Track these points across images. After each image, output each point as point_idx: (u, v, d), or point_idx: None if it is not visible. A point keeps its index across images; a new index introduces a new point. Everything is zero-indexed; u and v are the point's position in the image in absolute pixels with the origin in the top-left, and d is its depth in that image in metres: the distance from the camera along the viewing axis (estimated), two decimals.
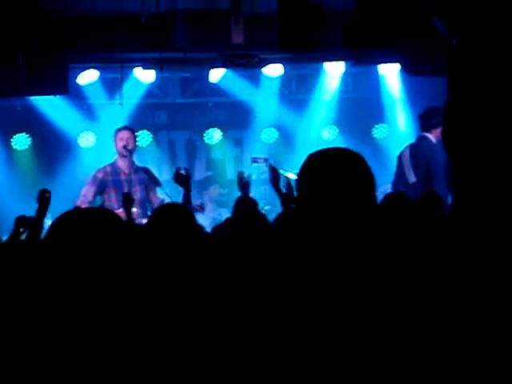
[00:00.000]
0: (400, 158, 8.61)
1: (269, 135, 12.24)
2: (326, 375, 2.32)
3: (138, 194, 8.33)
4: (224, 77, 10.93)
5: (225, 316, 2.51)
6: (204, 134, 12.15)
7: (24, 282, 3.14)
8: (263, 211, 8.48)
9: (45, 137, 11.26)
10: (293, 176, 7.20)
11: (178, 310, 2.87)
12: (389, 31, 7.45)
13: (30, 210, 6.62)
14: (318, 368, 2.32)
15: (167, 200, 8.22)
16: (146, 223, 4.59)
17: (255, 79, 11.45)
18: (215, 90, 11.48)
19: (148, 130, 11.82)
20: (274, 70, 10.80)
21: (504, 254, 2.11)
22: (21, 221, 5.98)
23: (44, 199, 6.12)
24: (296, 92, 12.03)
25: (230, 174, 12.30)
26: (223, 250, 4.18)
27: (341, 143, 12.02)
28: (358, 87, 11.97)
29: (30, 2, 8.42)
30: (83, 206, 8.03)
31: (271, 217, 6.51)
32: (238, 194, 6.85)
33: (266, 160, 9.91)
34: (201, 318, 2.69)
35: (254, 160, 9.83)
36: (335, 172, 2.56)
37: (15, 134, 11.37)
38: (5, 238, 6.09)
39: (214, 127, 12.14)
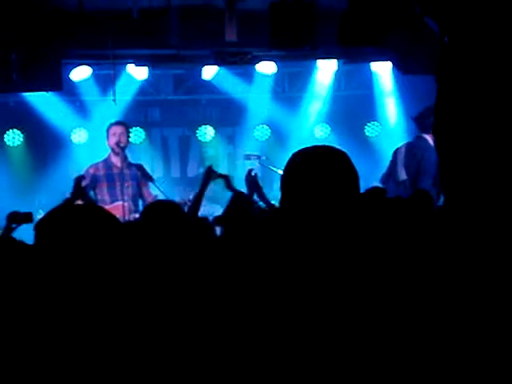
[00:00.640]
0: (396, 153, 8.64)
1: (261, 132, 12.25)
2: (314, 372, 2.33)
3: (129, 189, 8.35)
4: (217, 74, 10.93)
5: (218, 312, 2.52)
6: (197, 131, 12.15)
7: (15, 278, 3.14)
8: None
9: (37, 133, 11.24)
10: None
11: (171, 304, 2.87)
12: (381, 29, 7.46)
13: (23, 206, 6.64)
14: (307, 365, 2.33)
15: (160, 196, 8.24)
16: (137, 219, 4.60)
17: (248, 77, 11.45)
18: (208, 87, 11.48)
19: (141, 127, 11.80)
20: (267, 68, 10.80)
21: (493, 248, 2.12)
22: (13, 217, 5.98)
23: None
24: (289, 90, 12.04)
25: (223, 170, 12.27)
26: (215, 247, 4.19)
27: (333, 141, 12.03)
28: (350, 85, 11.98)
29: None
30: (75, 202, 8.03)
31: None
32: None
33: (258, 157, 9.92)
34: (194, 314, 2.70)
35: (247, 157, 9.84)
36: (319, 170, 2.56)
37: (8, 130, 11.34)
38: None
39: (206, 124, 12.14)
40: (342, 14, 7.78)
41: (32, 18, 8.45)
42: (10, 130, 11.35)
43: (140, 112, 11.85)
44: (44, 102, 10.81)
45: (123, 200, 8.16)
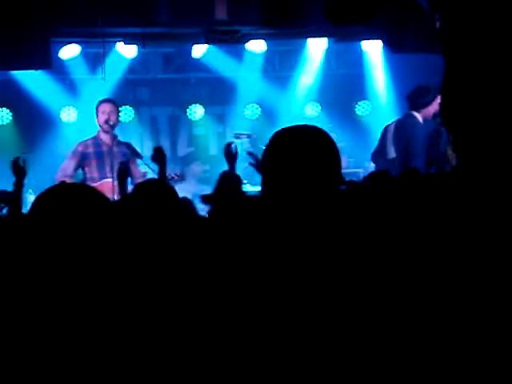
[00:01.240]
0: (385, 131, 8.66)
1: (252, 111, 12.22)
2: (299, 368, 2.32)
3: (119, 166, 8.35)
4: (207, 52, 10.89)
5: (208, 300, 2.52)
6: (186, 110, 12.11)
7: (5, 258, 3.13)
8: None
9: (26, 112, 11.18)
10: None
11: (160, 289, 2.87)
12: (371, 7, 7.44)
13: (11, 185, 6.58)
14: (292, 355, 2.32)
15: (150, 173, 8.23)
16: (127, 198, 4.58)
17: (238, 55, 11.41)
18: (198, 65, 11.43)
19: (130, 105, 11.76)
20: (257, 46, 10.77)
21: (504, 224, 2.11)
22: (0, 196, 5.93)
23: (19, 169, 5.92)
24: (279, 68, 12.00)
25: (213, 150, 12.28)
26: (204, 229, 4.18)
27: (323, 120, 12.02)
28: (340, 64, 11.95)
29: None
30: (63, 179, 8.02)
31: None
32: (221, 170, 6.83)
33: (248, 136, 9.91)
34: (184, 299, 2.69)
35: (237, 136, 9.83)
36: (299, 150, 2.53)
37: None
38: None
39: (196, 103, 12.10)
40: None
41: None
42: None
43: (129, 91, 11.79)
44: (33, 80, 10.74)
45: (112, 177, 8.15)
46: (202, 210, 5.88)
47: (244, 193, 6.49)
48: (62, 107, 11.45)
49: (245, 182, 10.13)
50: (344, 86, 11.86)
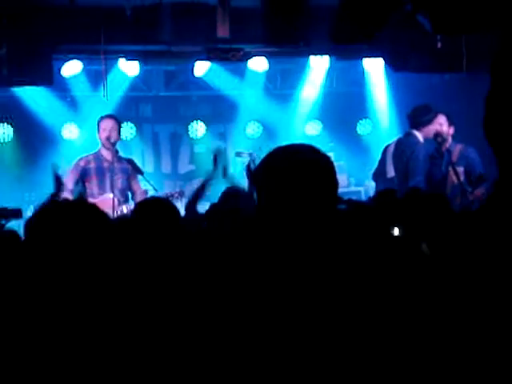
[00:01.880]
0: (385, 150, 8.67)
1: (253, 129, 12.24)
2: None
3: (119, 182, 8.37)
4: (209, 70, 10.92)
5: (208, 311, 2.51)
6: (188, 128, 12.13)
7: (5, 274, 3.13)
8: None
9: (28, 128, 11.20)
10: None
11: (162, 302, 2.86)
12: (373, 27, 7.45)
13: (12, 201, 6.61)
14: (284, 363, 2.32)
15: (151, 191, 8.24)
16: (130, 216, 4.59)
17: (240, 73, 11.45)
18: (199, 83, 11.47)
19: (132, 122, 11.78)
20: (259, 64, 10.80)
21: None
22: (1, 213, 5.96)
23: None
24: (281, 86, 12.03)
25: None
26: (204, 245, 4.18)
27: (325, 138, 12.05)
28: (342, 82, 11.98)
29: None
30: (63, 194, 8.02)
31: None
32: (221, 187, 6.84)
33: (250, 154, 9.91)
34: (185, 312, 2.68)
35: (238, 154, 9.83)
36: (293, 170, 2.50)
37: None
38: None
39: (198, 121, 12.12)
40: (335, 13, 7.77)
41: (23, 12, 8.42)
42: (0, 125, 11.30)
43: (131, 108, 11.83)
44: (34, 97, 10.77)
45: (113, 193, 8.16)
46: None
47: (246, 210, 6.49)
48: (63, 124, 11.46)
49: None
50: (345, 104, 11.88)
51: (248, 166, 6.99)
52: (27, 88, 9.75)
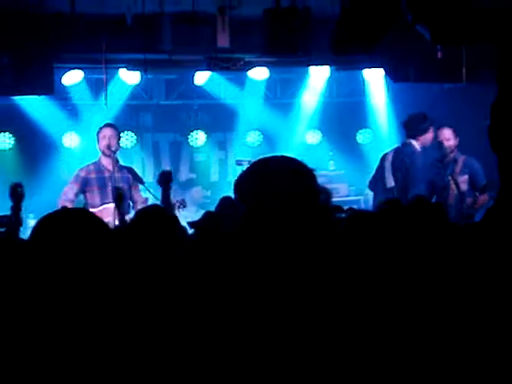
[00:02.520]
0: (383, 160, 8.68)
1: (253, 138, 12.26)
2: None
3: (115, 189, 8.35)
4: (209, 79, 10.95)
5: (207, 318, 2.52)
6: (188, 136, 12.15)
7: (5, 282, 3.14)
8: None
9: (28, 136, 11.21)
10: None
11: (160, 310, 2.87)
12: (373, 37, 7.48)
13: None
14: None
15: (151, 199, 8.23)
16: (128, 224, 4.60)
17: (240, 82, 11.48)
18: (200, 92, 11.50)
19: (132, 131, 11.80)
20: (259, 74, 10.83)
21: None
22: (1, 221, 5.95)
23: (17, 194, 6.04)
24: (281, 96, 12.06)
25: (214, 176, 12.31)
26: (205, 252, 4.19)
27: (324, 147, 12.07)
28: (342, 92, 12.01)
29: (16, 1, 8.40)
30: (65, 204, 8.02)
31: None
32: (221, 195, 6.86)
33: (250, 163, 9.92)
34: (183, 319, 2.70)
35: (239, 163, 9.84)
36: (272, 181, 2.54)
37: None
38: None
39: (198, 129, 12.14)
40: (335, 23, 7.80)
41: (25, 22, 8.44)
42: (1, 133, 11.31)
43: (132, 116, 11.84)
44: (35, 106, 10.79)
45: (114, 202, 8.15)
46: None
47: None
48: (64, 132, 11.48)
49: None
50: (345, 114, 11.91)
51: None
52: (28, 97, 9.77)
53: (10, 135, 11.34)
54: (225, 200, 6.63)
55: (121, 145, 8.96)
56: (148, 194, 8.43)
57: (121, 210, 7.03)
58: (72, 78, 10.27)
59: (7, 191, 6.10)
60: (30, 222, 9.08)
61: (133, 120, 11.92)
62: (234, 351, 2.33)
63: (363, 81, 11.56)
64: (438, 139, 8.40)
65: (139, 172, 9.07)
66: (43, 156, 11.28)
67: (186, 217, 8.14)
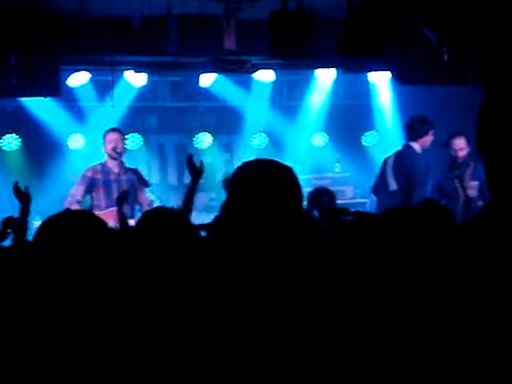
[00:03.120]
0: (384, 164, 8.69)
1: (259, 141, 12.26)
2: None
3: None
4: (215, 81, 10.95)
5: (214, 321, 2.52)
6: (194, 139, 12.15)
7: (10, 284, 3.14)
8: None
9: (34, 138, 11.23)
10: None
11: (168, 313, 2.87)
12: (380, 40, 7.48)
13: (19, 210, 6.60)
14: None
15: (157, 202, 8.24)
16: (134, 226, 4.59)
17: (246, 84, 11.48)
18: (206, 94, 11.50)
19: (138, 133, 11.81)
20: (265, 76, 10.83)
21: None
22: (8, 222, 5.96)
23: (23, 196, 6.10)
24: (287, 98, 12.06)
25: (220, 178, 12.31)
26: (214, 255, 4.18)
27: (330, 150, 12.07)
28: (348, 94, 12.01)
29: (23, 3, 8.42)
30: (72, 206, 8.03)
31: None
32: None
33: None
34: (191, 321, 2.70)
35: None
36: (258, 184, 2.56)
37: (5, 134, 11.33)
38: None
39: (204, 132, 12.14)
40: (342, 25, 7.80)
41: (32, 24, 8.47)
42: (7, 135, 11.33)
43: (137, 118, 11.85)
44: (41, 107, 10.81)
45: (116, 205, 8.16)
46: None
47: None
48: (69, 134, 11.49)
49: None
50: (351, 116, 11.91)
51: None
52: (34, 98, 9.79)
53: (17, 136, 11.36)
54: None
55: (126, 147, 8.97)
56: (154, 197, 8.44)
57: (121, 213, 7.05)
58: (78, 79, 10.28)
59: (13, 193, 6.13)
60: (35, 224, 9.10)
61: (138, 122, 11.92)
62: (232, 351, 2.34)
63: (369, 83, 11.56)
64: (450, 148, 8.42)
65: (145, 174, 9.08)
66: (49, 157, 11.30)
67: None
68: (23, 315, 2.58)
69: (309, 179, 10.41)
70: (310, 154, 11.81)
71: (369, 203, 10.72)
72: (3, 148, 11.36)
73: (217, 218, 6.32)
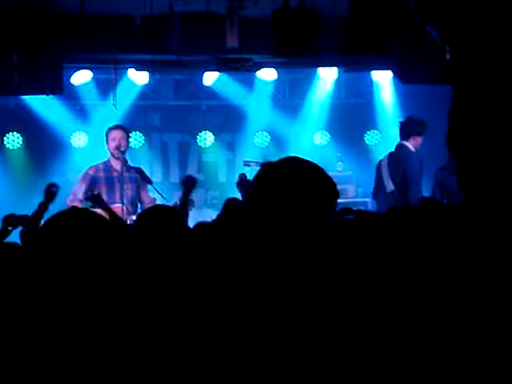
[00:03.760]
0: (379, 167, 8.69)
1: (261, 139, 12.27)
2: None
3: (129, 191, 8.36)
4: (218, 80, 10.95)
5: (212, 317, 2.53)
6: (196, 137, 12.16)
7: (13, 282, 3.16)
8: None
9: (37, 136, 11.25)
10: None
11: (165, 309, 2.88)
12: (382, 38, 7.48)
13: (21, 209, 6.62)
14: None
15: (159, 199, 8.25)
16: (133, 223, 4.61)
17: (249, 83, 11.48)
18: (208, 92, 11.51)
19: (140, 131, 11.81)
20: (267, 74, 10.83)
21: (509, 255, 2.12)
22: (8, 220, 5.99)
23: (50, 193, 6.23)
24: (289, 97, 12.06)
25: (222, 177, 12.31)
26: (209, 251, 4.19)
27: (332, 149, 12.07)
28: (350, 93, 12.01)
29: (26, 1, 8.43)
30: (74, 204, 8.03)
31: None
32: (230, 196, 6.87)
33: (258, 164, 9.92)
34: (188, 318, 2.70)
35: (246, 163, 9.84)
36: (288, 183, 2.52)
37: (7, 132, 11.35)
38: None
39: (206, 130, 12.15)
40: (344, 24, 7.81)
41: (34, 22, 8.47)
42: (10, 133, 11.35)
43: (140, 117, 11.86)
44: (44, 105, 10.82)
45: (122, 202, 8.16)
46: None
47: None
48: (72, 132, 11.51)
49: None
50: (353, 115, 11.90)
51: (241, 180, 7.07)
52: (37, 96, 9.79)
53: (19, 135, 11.38)
54: (230, 202, 6.64)
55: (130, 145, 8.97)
56: (156, 194, 8.45)
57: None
58: (81, 77, 10.29)
59: (18, 189, 6.18)
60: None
61: (141, 120, 11.93)
62: (233, 346, 2.34)
63: (371, 82, 11.55)
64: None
65: (147, 172, 9.08)
66: (51, 156, 11.32)
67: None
68: (28, 309, 2.59)
69: None
70: (312, 152, 11.80)
71: (370, 201, 10.72)
72: (6, 146, 11.38)
73: (220, 216, 6.33)
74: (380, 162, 8.71)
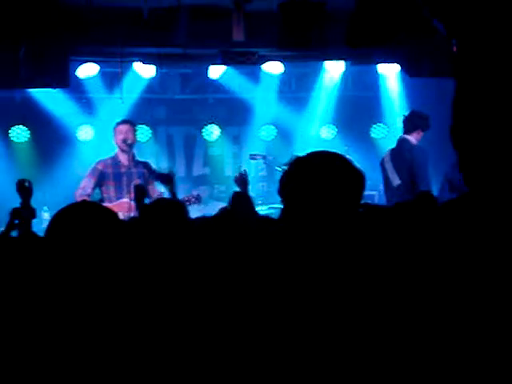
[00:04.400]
0: (382, 163, 8.68)
1: (267, 132, 12.25)
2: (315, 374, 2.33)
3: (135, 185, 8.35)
4: (224, 73, 10.94)
5: (216, 311, 2.53)
6: (203, 130, 12.16)
7: (20, 275, 3.16)
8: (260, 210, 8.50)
9: (43, 129, 11.25)
10: None
11: (171, 302, 2.88)
12: (389, 31, 7.46)
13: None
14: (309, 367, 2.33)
15: (166, 193, 8.25)
16: (138, 217, 4.61)
17: (255, 76, 11.46)
18: (215, 86, 11.49)
19: (147, 124, 11.81)
20: (274, 68, 10.81)
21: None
22: (16, 213, 5.99)
23: (24, 189, 6.15)
24: (295, 90, 12.04)
25: (228, 170, 12.31)
26: (213, 245, 4.18)
27: (339, 142, 12.04)
28: (357, 86, 11.98)
29: None
30: (82, 198, 8.04)
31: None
32: (236, 190, 6.88)
33: (263, 157, 9.93)
34: (193, 311, 2.70)
35: (252, 157, 9.85)
36: (321, 177, 2.52)
37: (14, 126, 11.36)
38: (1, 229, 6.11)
39: (212, 123, 12.14)
40: (350, 16, 7.78)
41: (41, 15, 8.46)
42: (16, 126, 11.36)
43: (146, 110, 11.85)
44: (50, 99, 10.82)
45: (130, 198, 8.16)
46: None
47: (256, 213, 6.51)
48: (78, 126, 11.51)
49: (259, 202, 10.16)
50: (360, 108, 11.88)
51: (240, 176, 7.10)
52: (43, 90, 9.79)
53: (25, 128, 11.38)
54: (236, 195, 6.64)
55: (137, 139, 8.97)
56: (163, 189, 8.44)
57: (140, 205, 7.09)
58: (87, 70, 10.29)
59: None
60: (44, 215, 9.13)
61: (147, 114, 11.92)
62: (234, 343, 2.34)
63: (378, 75, 11.53)
64: None
65: (153, 166, 9.08)
66: (58, 149, 11.32)
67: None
68: (34, 304, 2.59)
69: None
70: (319, 146, 11.77)
71: (377, 195, 10.71)
72: (12, 139, 11.38)
73: (224, 209, 6.33)
74: (383, 158, 8.72)
